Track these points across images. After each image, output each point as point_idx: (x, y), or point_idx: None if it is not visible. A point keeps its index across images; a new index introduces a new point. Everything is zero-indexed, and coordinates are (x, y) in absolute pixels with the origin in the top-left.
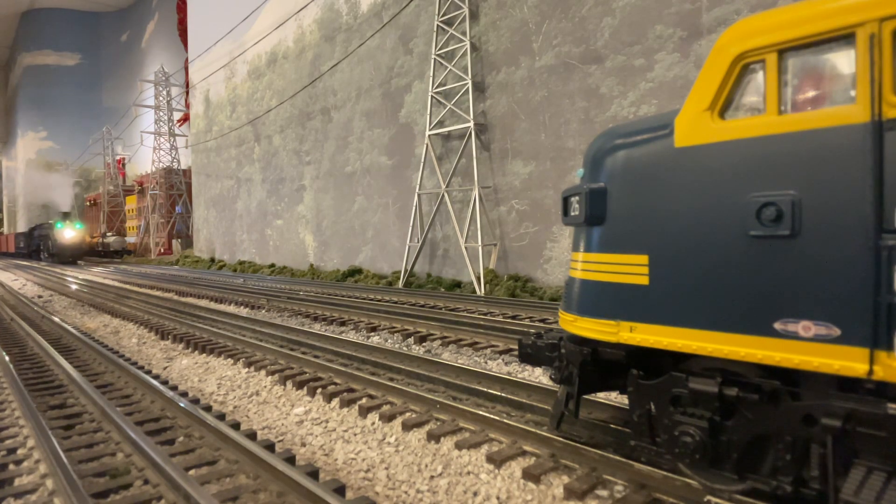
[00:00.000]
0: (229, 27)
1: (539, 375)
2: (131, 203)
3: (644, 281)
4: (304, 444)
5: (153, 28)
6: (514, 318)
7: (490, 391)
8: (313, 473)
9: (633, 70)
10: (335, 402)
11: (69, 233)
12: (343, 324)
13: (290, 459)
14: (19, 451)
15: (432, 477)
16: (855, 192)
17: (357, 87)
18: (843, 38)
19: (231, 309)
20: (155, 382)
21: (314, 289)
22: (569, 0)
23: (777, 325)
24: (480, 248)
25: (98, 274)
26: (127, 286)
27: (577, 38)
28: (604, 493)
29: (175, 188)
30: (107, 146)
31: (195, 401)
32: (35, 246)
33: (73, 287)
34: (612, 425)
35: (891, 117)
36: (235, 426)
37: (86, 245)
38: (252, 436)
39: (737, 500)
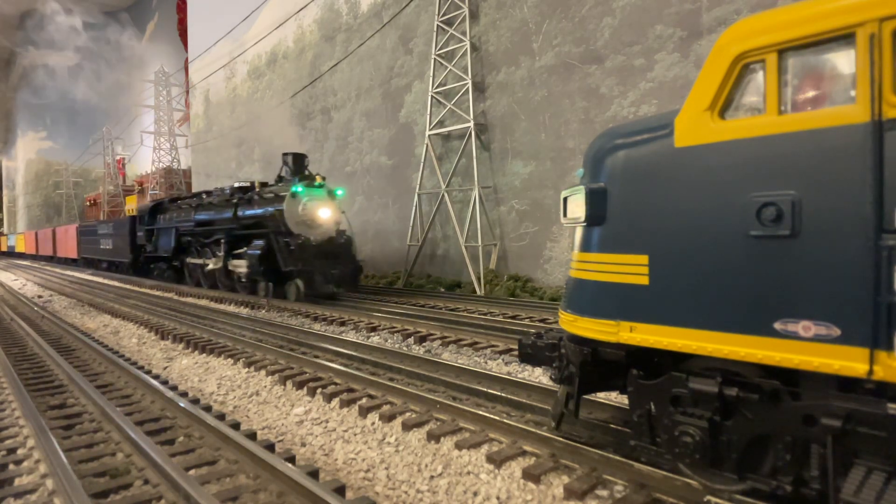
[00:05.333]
0: (229, 27)
1: (539, 375)
2: (131, 203)
3: (644, 281)
4: (304, 444)
5: (153, 28)
6: (514, 318)
7: (490, 391)
8: (313, 473)
9: (633, 70)
10: (335, 402)
11: (324, 212)
12: (343, 324)
13: (291, 459)
14: (19, 451)
15: (432, 477)
16: (855, 192)
17: (357, 87)
18: (843, 38)
19: (231, 309)
20: (155, 382)
21: None
22: (569, 0)
23: (777, 325)
24: (480, 248)
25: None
26: None
27: (577, 38)
28: (604, 493)
29: (175, 188)
30: (107, 146)
31: (195, 401)
32: (172, 247)
33: None
34: (612, 425)
35: (891, 117)
36: (235, 426)
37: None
38: (252, 436)
39: (737, 500)
